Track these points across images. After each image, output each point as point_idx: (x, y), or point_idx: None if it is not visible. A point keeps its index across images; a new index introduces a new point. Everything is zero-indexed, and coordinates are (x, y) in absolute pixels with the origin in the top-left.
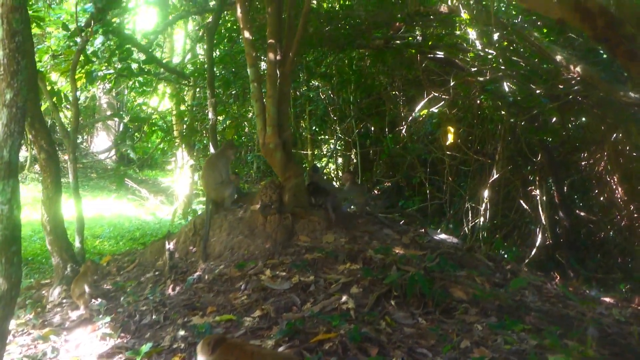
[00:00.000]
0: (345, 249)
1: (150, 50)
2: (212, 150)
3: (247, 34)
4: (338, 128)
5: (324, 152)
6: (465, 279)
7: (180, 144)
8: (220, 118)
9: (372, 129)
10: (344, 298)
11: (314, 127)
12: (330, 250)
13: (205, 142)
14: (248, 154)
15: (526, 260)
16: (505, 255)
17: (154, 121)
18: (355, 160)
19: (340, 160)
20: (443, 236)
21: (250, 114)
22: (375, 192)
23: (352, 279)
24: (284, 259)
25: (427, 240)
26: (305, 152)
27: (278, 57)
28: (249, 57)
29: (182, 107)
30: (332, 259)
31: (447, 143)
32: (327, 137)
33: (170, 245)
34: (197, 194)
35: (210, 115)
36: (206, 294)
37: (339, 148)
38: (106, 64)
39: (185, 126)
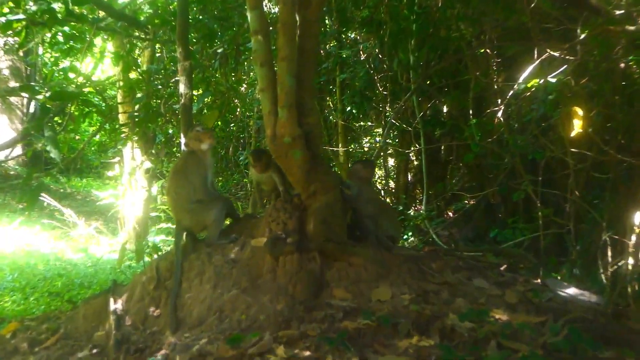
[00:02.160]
0: (410, 313)
1: None
2: (183, 146)
3: None
4: (389, 109)
5: (365, 148)
6: None
7: (129, 135)
8: (196, 93)
9: (446, 110)
10: None
11: (348, 108)
12: (385, 315)
13: (172, 132)
14: (240, 153)
15: None
16: None
17: (86, 98)
18: (417, 162)
19: (392, 161)
20: (572, 290)
21: (247, 86)
22: (450, 214)
23: None
24: (307, 329)
25: (546, 298)
26: (333, 149)
27: None
28: None
29: (133, 75)
30: (388, 329)
31: (572, 134)
32: (370, 123)
33: (117, 306)
34: (159, 217)
35: (181, 89)
36: None
37: (391, 142)
38: (10, 4)
39: (138, 106)
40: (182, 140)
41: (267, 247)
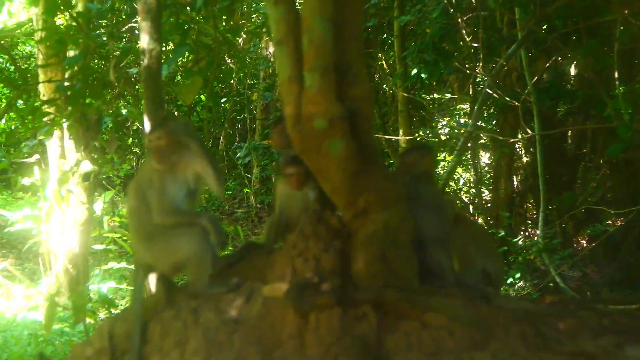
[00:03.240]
0: None
1: None
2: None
3: None
4: (480, 72)
5: (442, 136)
6: None
7: (57, 118)
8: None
9: (575, 73)
10: None
11: (414, 71)
12: None
13: (126, 112)
14: (238, 144)
15: None
16: None
17: None
18: (527, 158)
19: (486, 156)
20: None
21: (248, 37)
22: (584, 243)
23: None
24: None
25: None
26: (388, 138)
27: None
28: None
29: (62, 21)
30: None
31: None
32: (449, 95)
33: None
34: (108, 251)
35: (142, 42)
36: None
37: (485, 125)
38: None
39: (71, 71)
40: (146, 125)
41: (290, 298)
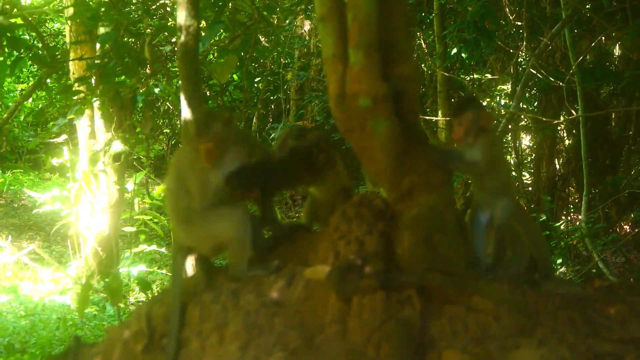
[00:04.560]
0: None
1: None
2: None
3: None
4: (523, 52)
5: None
6: None
7: (88, 98)
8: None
9: (620, 54)
10: None
11: (454, 50)
12: None
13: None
14: (272, 126)
15: None
16: None
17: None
18: (569, 141)
19: (527, 139)
20: None
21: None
22: (627, 228)
23: None
24: None
25: None
26: (427, 119)
27: None
28: None
29: None
30: None
31: None
32: (490, 76)
33: None
34: (142, 233)
35: (179, 19)
36: None
37: (527, 107)
38: None
39: (103, 49)
40: (182, 105)
41: (332, 281)
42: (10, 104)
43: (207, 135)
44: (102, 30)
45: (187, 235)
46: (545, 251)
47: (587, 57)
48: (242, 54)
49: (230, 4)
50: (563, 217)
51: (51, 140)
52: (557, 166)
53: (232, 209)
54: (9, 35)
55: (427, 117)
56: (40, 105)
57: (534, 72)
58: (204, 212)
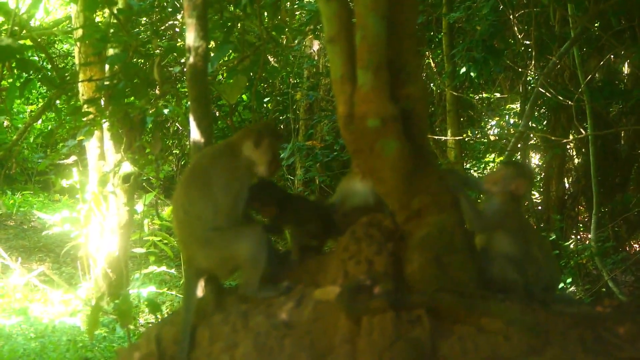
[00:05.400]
0: None
1: None
2: (193, 138)
3: None
4: (532, 71)
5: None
6: None
7: (97, 119)
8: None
9: (628, 72)
10: None
11: (463, 69)
12: None
13: (168, 112)
14: (283, 147)
15: None
16: None
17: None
18: (579, 159)
19: (536, 157)
20: None
21: (293, 34)
22: (637, 247)
23: None
24: None
25: None
26: (436, 138)
27: None
28: None
29: (98, 19)
30: None
31: None
32: (499, 95)
33: None
34: (151, 254)
35: (188, 40)
36: None
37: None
38: None
39: (112, 70)
40: (192, 126)
41: (342, 301)
42: (19, 125)
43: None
44: (111, 51)
45: (204, 256)
46: (557, 272)
47: (596, 75)
48: (251, 74)
49: (239, 25)
50: (573, 236)
51: (61, 162)
52: (567, 185)
53: (250, 227)
54: (18, 57)
55: (437, 137)
56: (49, 127)
57: (543, 90)
58: (223, 233)
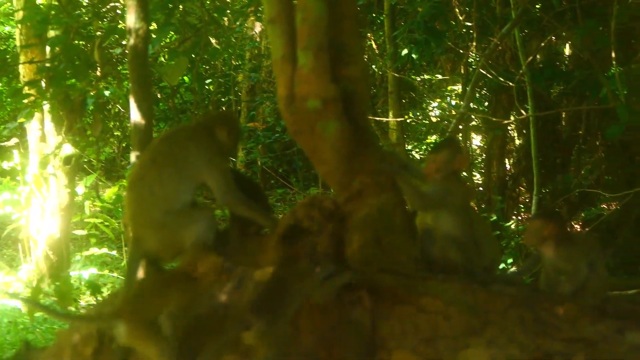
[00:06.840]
0: None
1: None
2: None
3: None
4: (474, 52)
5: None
6: None
7: (38, 101)
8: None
9: (570, 53)
10: None
11: (404, 51)
12: None
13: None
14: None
15: None
16: None
17: None
18: (520, 141)
19: (478, 139)
20: None
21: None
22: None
23: None
24: None
25: None
26: (378, 120)
27: None
28: None
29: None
30: None
31: None
32: (440, 76)
33: None
34: (91, 236)
35: (129, 21)
36: None
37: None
38: None
39: (53, 52)
40: (132, 108)
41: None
42: None
43: None
44: (52, 33)
45: (157, 239)
46: (497, 254)
47: (537, 57)
48: (193, 55)
49: (180, 6)
50: (514, 217)
51: (1, 144)
52: (508, 166)
53: (203, 211)
54: None
55: (378, 118)
56: None
57: (484, 72)
58: (177, 216)
